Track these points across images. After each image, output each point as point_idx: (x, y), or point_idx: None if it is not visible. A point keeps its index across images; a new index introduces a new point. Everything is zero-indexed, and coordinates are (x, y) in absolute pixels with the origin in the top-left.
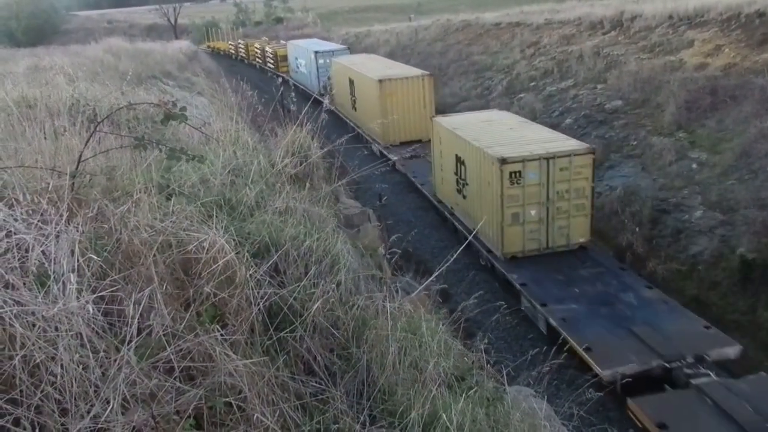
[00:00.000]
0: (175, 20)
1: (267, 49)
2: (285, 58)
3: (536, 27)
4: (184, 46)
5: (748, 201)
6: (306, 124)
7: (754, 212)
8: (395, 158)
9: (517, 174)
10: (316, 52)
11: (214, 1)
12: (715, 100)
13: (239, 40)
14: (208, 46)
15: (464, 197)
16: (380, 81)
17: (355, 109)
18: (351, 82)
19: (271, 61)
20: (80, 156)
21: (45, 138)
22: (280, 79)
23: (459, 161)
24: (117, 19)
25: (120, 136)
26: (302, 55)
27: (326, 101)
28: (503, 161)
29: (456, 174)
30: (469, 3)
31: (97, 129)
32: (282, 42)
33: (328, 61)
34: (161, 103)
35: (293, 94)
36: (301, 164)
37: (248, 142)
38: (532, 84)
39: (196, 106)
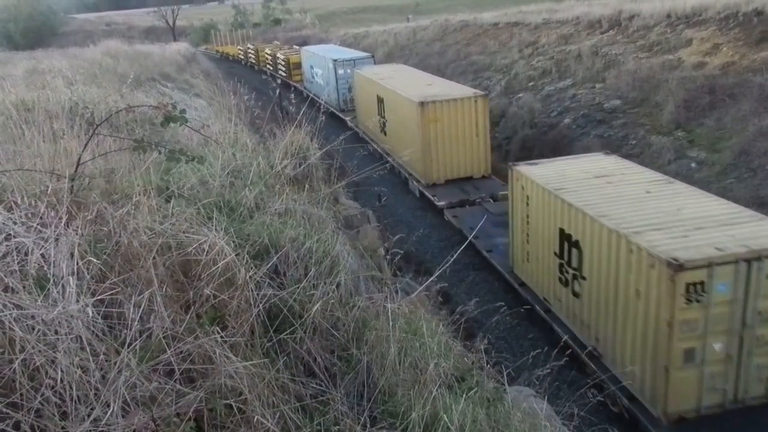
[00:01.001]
0: (174, 22)
1: (278, 55)
2: (298, 65)
3: (534, 27)
4: (182, 48)
5: (747, 199)
6: (304, 125)
7: (754, 210)
8: (442, 203)
9: (699, 286)
10: (335, 61)
11: (213, 3)
12: (714, 99)
13: (249, 45)
14: (217, 51)
15: (575, 295)
16: (422, 104)
17: (385, 134)
18: (380, 100)
19: (283, 69)
20: (79, 159)
21: (44, 141)
22: (279, 81)
23: (567, 239)
24: (115, 22)
25: (119, 138)
26: (318, 63)
27: (322, 101)
28: (678, 266)
29: (560, 257)
30: (468, 3)
31: (96, 132)
32: (295, 47)
33: (348, 71)
34: (160, 105)
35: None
36: (300, 166)
37: (247, 143)
38: (531, 84)
39: (195, 108)
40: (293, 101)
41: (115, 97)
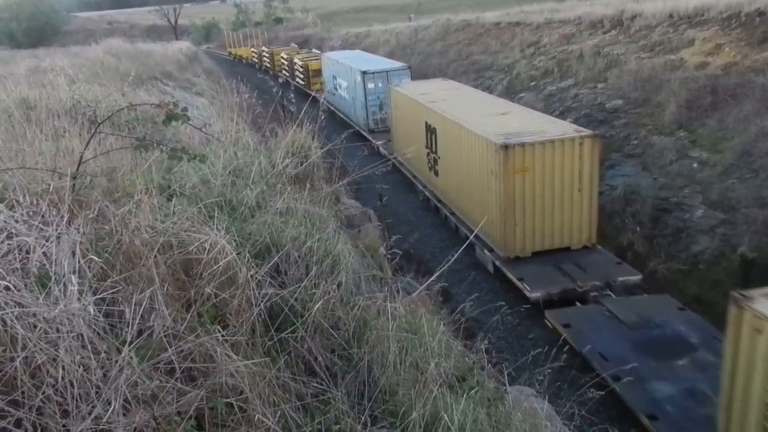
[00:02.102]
0: (176, 21)
1: (296, 60)
2: (318, 72)
3: (536, 26)
4: (184, 46)
5: (748, 200)
6: (306, 124)
7: (755, 211)
8: (537, 296)
9: None
10: (364, 73)
11: (214, 1)
12: (716, 99)
13: (263, 48)
14: (229, 53)
15: None
16: (505, 147)
17: (436, 174)
18: (430, 129)
19: (301, 76)
20: (81, 157)
21: (46, 139)
22: (280, 80)
23: None
24: (117, 20)
25: (121, 137)
26: (343, 74)
27: (322, 97)
28: None
29: None
30: (469, 2)
31: (98, 130)
32: (315, 52)
33: (380, 84)
34: (162, 103)
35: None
36: (301, 165)
37: (249, 142)
38: (533, 83)
39: (197, 107)
40: (293, 100)
41: (116, 95)
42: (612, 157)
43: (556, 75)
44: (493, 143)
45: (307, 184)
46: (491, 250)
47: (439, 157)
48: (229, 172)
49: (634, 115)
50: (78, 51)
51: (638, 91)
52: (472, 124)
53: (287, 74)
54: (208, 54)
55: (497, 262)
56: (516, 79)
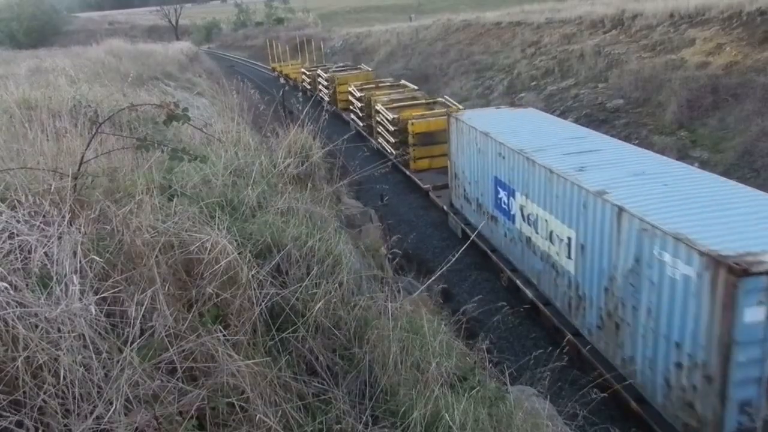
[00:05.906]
0: (177, 21)
1: (378, 107)
2: (428, 139)
3: (537, 26)
4: (185, 47)
5: None
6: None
7: None
8: None
9: None
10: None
11: (215, 2)
12: (717, 99)
13: (319, 70)
14: (273, 69)
15: None
16: None
17: None
18: None
19: (391, 139)
20: (82, 157)
21: (47, 139)
22: (282, 80)
23: None
24: (118, 21)
25: (122, 137)
26: (554, 199)
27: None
28: None
29: None
30: (470, 2)
31: (99, 130)
32: (410, 86)
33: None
34: (163, 104)
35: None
36: (302, 165)
37: (250, 142)
38: (533, 83)
39: (198, 107)
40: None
41: (117, 95)
42: None
43: (557, 75)
44: None
45: (309, 184)
46: None
47: None
48: (230, 172)
49: (635, 114)
50: (79, 51)
51: (639, 91)
52: None
53: (359, 122)
54: (209, 54)
55: None
56: (517, 79)
